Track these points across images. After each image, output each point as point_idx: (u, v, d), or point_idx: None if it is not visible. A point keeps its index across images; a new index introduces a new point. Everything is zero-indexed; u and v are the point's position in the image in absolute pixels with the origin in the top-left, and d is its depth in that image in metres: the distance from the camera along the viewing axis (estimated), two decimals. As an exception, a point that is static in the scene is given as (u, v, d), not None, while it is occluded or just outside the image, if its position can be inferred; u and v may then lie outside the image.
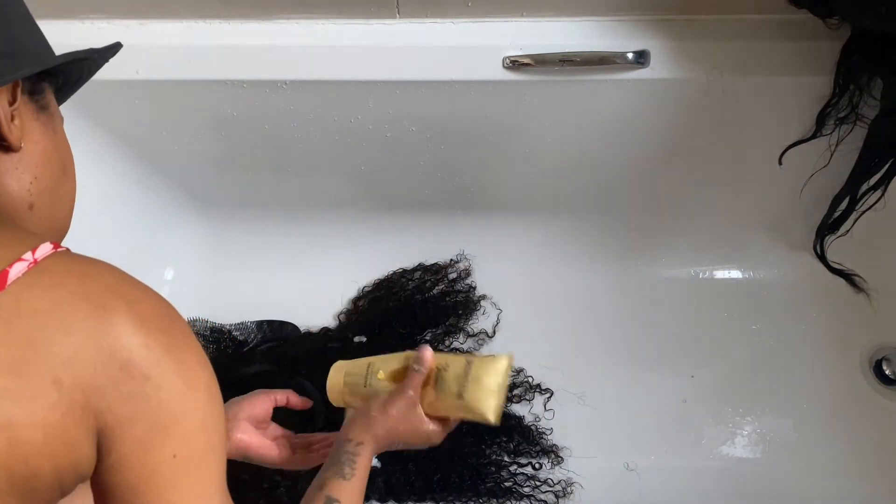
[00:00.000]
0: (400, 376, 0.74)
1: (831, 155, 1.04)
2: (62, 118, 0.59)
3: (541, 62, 0.96)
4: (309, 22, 1.01)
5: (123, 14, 1.01)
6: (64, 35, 1.01)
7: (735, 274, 1.28)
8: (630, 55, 0.95)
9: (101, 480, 0.44)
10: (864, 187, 1.06)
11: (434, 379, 0.72)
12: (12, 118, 0.50)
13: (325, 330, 1.23)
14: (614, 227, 1.27)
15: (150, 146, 1.13)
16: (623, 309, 1.25)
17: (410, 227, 1.29)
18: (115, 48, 0.60)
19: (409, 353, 0.74)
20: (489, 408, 0.69)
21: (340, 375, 0.78)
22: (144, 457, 0.44)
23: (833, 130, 1.02)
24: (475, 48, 0.98)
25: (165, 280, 1.29)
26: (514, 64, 0.96)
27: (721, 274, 1.28)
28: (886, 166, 1.02)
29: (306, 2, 0.98)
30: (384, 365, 0.76)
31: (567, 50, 0.95)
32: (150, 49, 1.00)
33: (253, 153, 1.15)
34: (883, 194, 1.05)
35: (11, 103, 0.50)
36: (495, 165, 1.16)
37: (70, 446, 0.41)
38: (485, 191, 1.22)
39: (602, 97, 1.01)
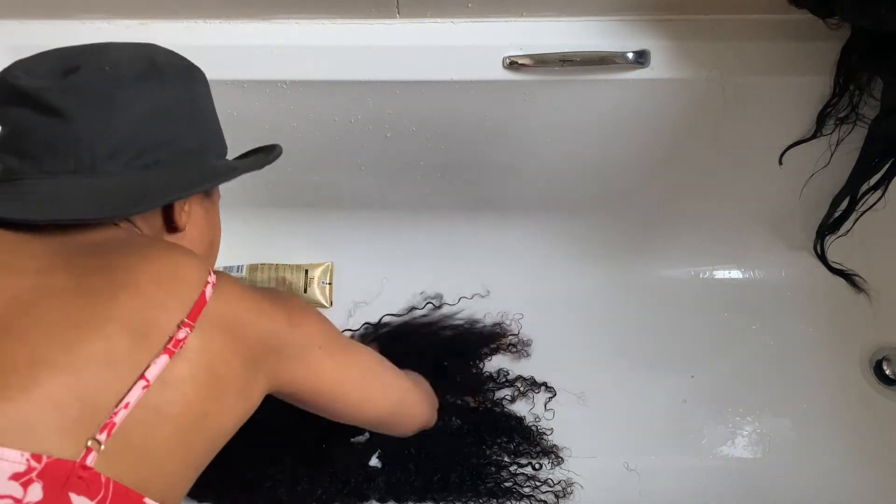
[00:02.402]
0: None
1: (831, 155, 1.04)
2: (220, 196, 0.72)
3: (541, 62, 0.96)
4: (309, 22, 1.01)
5: (123, 14, 1.01)
6: (64, 35, 1.02)
7: (735, 274, 1.28)
8: (630, 55, 0.95)
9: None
10: (865, 187, 1.06)
11: None
12: (184, 206, 0.62)
13: None
14: (614, 227, 1.27)
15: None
16: (623, 309, 1.25)
17: (410, 228, 1.29)
18: (276, 153, 0.73)
19: None
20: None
21: None
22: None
23: (833, 130, 1.02)
24: (475, 48, 0.98)
25: (165, 280, 1.29)
26: (514, 64, 0.96)
27: (721, 274, 1.28)
28: (886, 166, 1.02)
29: (306, 2, 0.98)
30: None
31: (567, 50, 0.95)
32: (150, 49, 1.00)
33: (253, 153, 1.15)
34: (883, 194, 1.05)
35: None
36: (495, 166, 1.16)
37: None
38: (484, 191, 1.22)
39: (602, 97, 1.01)
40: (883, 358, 1.15)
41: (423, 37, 0.99)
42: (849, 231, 1.12)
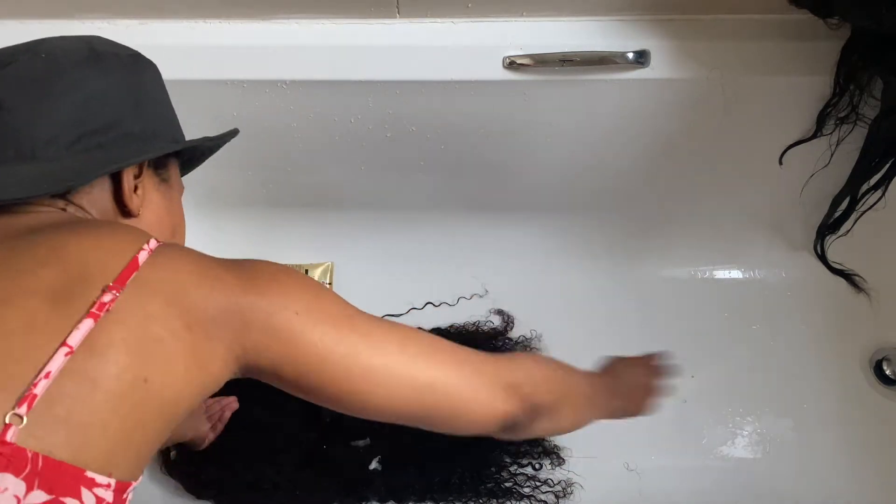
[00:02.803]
0: None
1: (831, 155, 1.04)
2: (182, 188, 0.69)
3: (541, 62, 0.96)
4: (309, 22, 1.01)
5: (123, 14, 1.01)
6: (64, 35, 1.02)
7: (735, 274, 1.28)
8: (630, 55, 0.95)
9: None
10: (865, 187, 1.06)
11: None
12: (135, 189, 0.60)
13: None
14: (614, 227, 1.27)
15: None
16: (623, 309, 1.25)
17: (410, 227, 1.29)
18: (231, 134, 0.70)
19: None
20: None
21: None
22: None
23: (833, 130, 1.02)
24: (475, 48, 0.98)
25: (165, 280, 1.29)
26: (514, 64, 0.96)
27: (721, 274, 1.28)
28: (886, 166, 1.02)
29: (306, 2, 0.98)
30: None
31: (567, 50, 0.95)
32: (150, 49, 1.00)
33: (253, 153, 1.15)
34: (883, 194, 1.05)
35: (137, 176, 0.60)
36: (495, 166, 1.16)
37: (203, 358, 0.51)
38: (484, 191, 1.22)
39: (602, 97, 1.01)
40: (883, 358, 1.15)
41: (423, 37, 0.99)
42: (849, 231, 1.12)
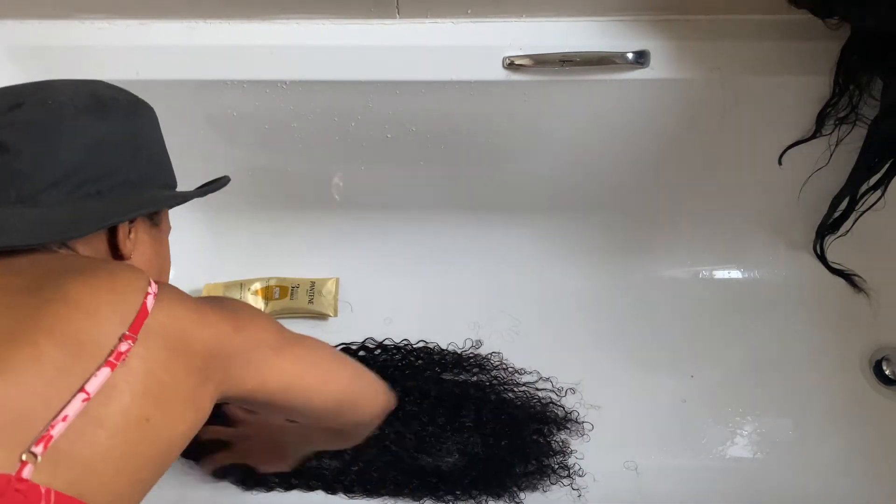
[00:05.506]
0: (269, 293, 1.22)
1: (831, 155, 1.04)
2: (170, 228, 0.73)
3: (541, 62, 0.96)
4: (309, 22, 1.01)
5: (123, 14, 1.01)
6: (64, 35, 1.02)
7: (735, 274, 1.28)
8: (630, 55, 0.95)
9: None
10: (864, 187, 1.06)
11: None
12: (129, 233, 0.63)
13: None
14: (614, 227, 1.27)
15: (150, 146, 1.13)
16: (623, 309, 1.25)
17: (410, 228, 1.29)
18: (223, 182, 0.73)
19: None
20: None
21: (220, 290, 1.08)
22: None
23: (833, 130, 1.02)
24: (475, 48, 0.98)
25: (165, 280, 1.29)
26: (514, 64, 0.96)
27: (721, 274, 1.28)
28: (886, 166, 1.02)
29: (306, 2, 0.98)
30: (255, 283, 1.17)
31: (567, 50, 0.95)
32: (150, 49, 1.00)
33: (253, 153, 1.15)
34: (883, 194, 1.05)
35: (131, 221, 0.64)
36: (495, 166, 1.16)
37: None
38: (485, 191, 1.22)
39: (602, 97, 1.01)
40: (883, 358, 1.15)
41: (423, 37, 0.99)
42: (848, 231, 1.12)
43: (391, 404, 0.85)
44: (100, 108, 0.62)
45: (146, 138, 0.67)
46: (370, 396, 0.80)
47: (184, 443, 0.54)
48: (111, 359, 0.47)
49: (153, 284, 0.53)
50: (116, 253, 0.63)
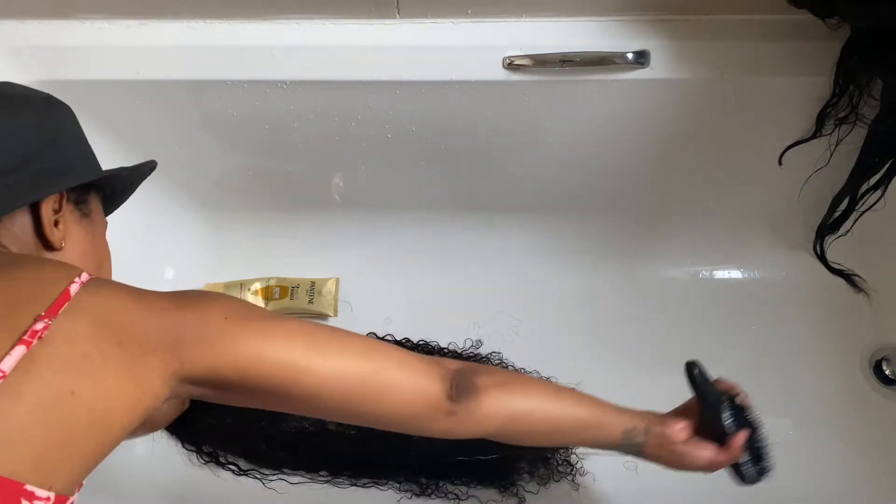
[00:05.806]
0: (269, 293, 1.23)
1: (831, 155, 1.04)
2: (105, 224, 0.72)
3: (541, 62, 0.96)
4: (309, 22, 1.01)
5: (123, 14, 1.01)
6: (64, 35, 1.02)
7: (735, 274, 1.28)
8: (630, 55, 0.95)
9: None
10: (864, 187, 1.06)
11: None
12: (56, 223, 0.62)
13: None
14: (614, 227, 1.27)
15: (149, 146, 1.12)
16: (623, 309, 1.25)
17: (410, 227, 1.29)
18: (148, 165, 0.72)
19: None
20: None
21: (220, 290, 1.06)
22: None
23: (833, 130, 1.02)
24: (475, 48, 0.98)
25: (166, 279, 1.29)
26: (514, 64, 0.96)
27: (721, 274, 1.28)
28: (886, 166, 1.02)
29: (306, 2, 0.98)
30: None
31: (567, 50, 0.95)
32: (150, 49, 1.00)
33: (253, 153, 1.15)
34: (883, 194, 1.05)
35: (57, 211, 0.62)
36: (495, 166, 1.16)
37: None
38: (485, 191, 1.22)
39: (602, 97, 1.01)
40: (883, 358, 1.15)
41: (423, 37, 0.99)
42: (848, 231, 1.12)
43: (443, 404, 0.66)
44: (7, 105, 0.62)
45: (64, 132, 0.67)
46: (405, 387, 0.63)
47: (127, 417, 0.52)
48: (25, 337, 0.47)
49: (84, 275, 0.53)
50: (46, 243, 0.62)
